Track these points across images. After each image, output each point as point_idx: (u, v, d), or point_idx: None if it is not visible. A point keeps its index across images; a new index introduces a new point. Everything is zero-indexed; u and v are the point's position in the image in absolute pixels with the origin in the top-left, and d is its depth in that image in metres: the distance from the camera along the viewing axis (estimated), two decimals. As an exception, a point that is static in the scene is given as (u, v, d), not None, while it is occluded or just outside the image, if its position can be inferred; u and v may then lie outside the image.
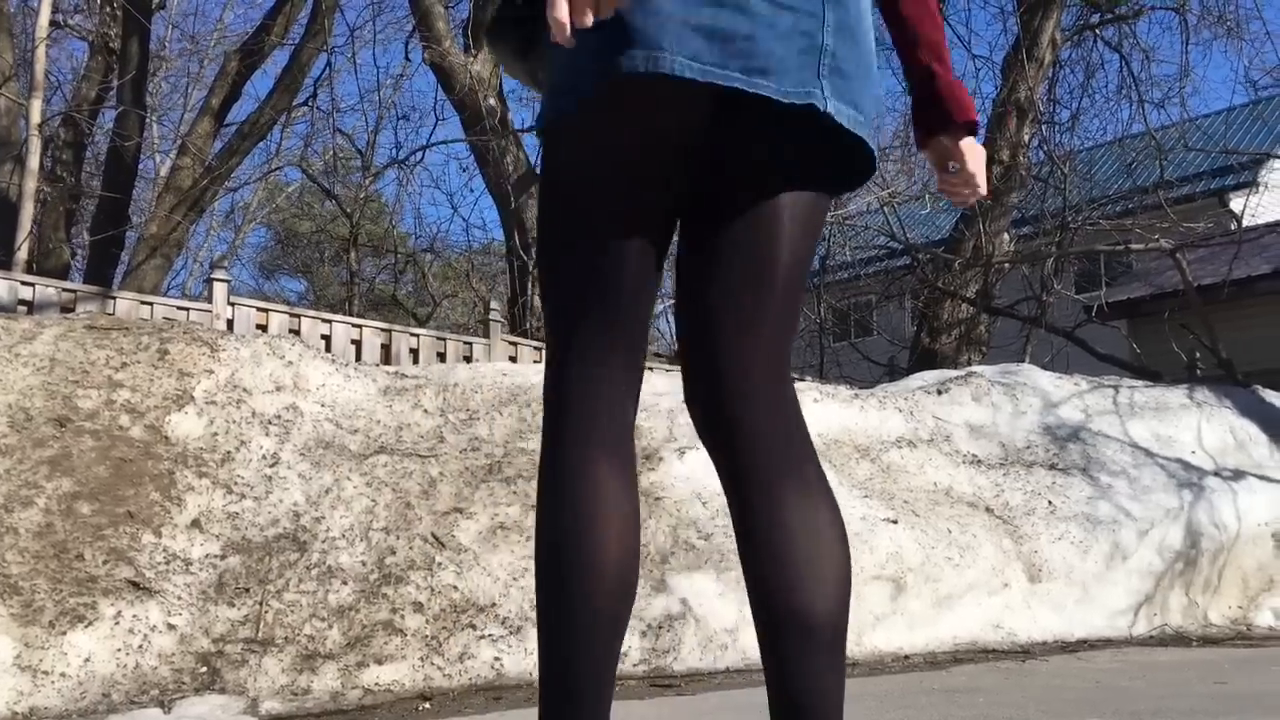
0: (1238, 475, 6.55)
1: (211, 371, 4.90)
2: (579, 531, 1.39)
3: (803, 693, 1.41)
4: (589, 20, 1.21)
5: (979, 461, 6.34)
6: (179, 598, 3.82)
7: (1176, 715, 3.02)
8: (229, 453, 4.57)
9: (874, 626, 4.88)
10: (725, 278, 1.45)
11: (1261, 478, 6.58)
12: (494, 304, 9.09)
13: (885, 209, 11.78)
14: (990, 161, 10.69)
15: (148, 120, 12.94)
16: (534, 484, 4.88)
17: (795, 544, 1.40)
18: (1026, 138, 10.85)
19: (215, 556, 4.08)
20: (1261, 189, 13.16)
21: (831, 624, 1.41)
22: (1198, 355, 9.07)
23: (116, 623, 3.63)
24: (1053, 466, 6.37)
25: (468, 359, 8.10)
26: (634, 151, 1.40)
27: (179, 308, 7.06)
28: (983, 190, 1.60)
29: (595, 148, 1.41)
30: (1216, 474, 6.53)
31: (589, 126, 1.39)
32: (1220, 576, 6.03)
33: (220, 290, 7.13)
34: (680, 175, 1.45)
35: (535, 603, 1.42)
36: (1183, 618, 5.79)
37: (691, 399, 1.56)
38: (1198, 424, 7.04)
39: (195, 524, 4.18)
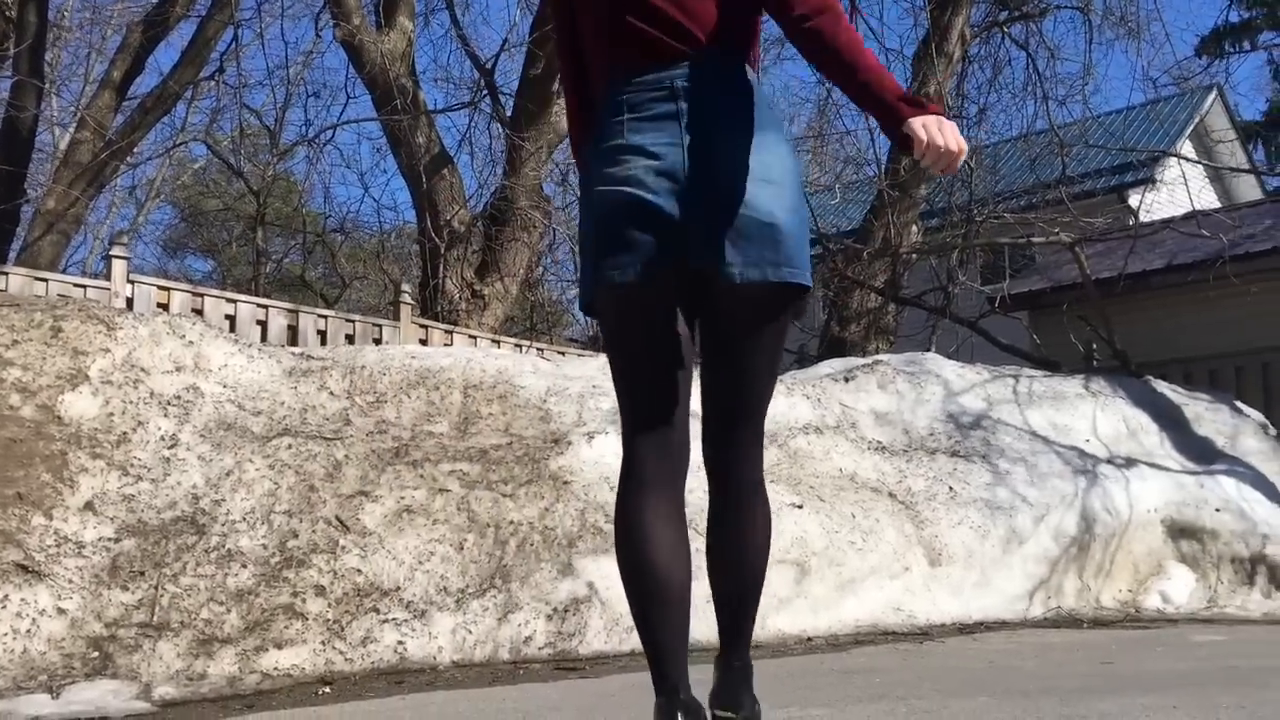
0: (1130, 463, 6.77)
1: (108, 350, 4.77)
2: (634, 553, 2.05)
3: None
4: None
5: (883, 448, 6.45)
6: (70, 581, 3.72)
7: (1063, 693, 3.11)
8: (125, 434, 4.46)
9: (778, 610, 4.94)
10: (708, 376, 2.20)
11: (1152, 465, 6.81)
12: (405, 286, 8.98)
13: (797, 199, 11.87)
14: (900, 154, 10.87)
15: (46, 92, 12.51)
16: (441, 466, 4.86)
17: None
18: (935, 131, 11.03)
19: (109, 539, 3.98)
20: (1158, 186, 13.59)
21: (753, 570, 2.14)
22: (1094, 346, 9.34)
23: (3, 607, 3.53)
24: (954, 453, 6.51)
25: (377, 341, 8.00)
26: (635, 320, 2.11)
27: (75, 285, 6.85)
28: (953, 149, 1.94)
29: (606, 329, 2.18)
30: (1110, 462, 6.74)
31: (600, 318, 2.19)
32: (1112, 561, 6.23)
33: (119, 267, 6.93)
34: (669, 330, 2.11)
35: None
36: (1076, 601, 5.98)
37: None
38: (1093, 413, 7.26)
39: (88, 506, 4.07)
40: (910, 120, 1.94)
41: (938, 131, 1.93)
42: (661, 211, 2.02)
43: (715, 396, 2.18)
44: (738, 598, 2.13)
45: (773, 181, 2.04)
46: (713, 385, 2.18)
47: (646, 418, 2.12)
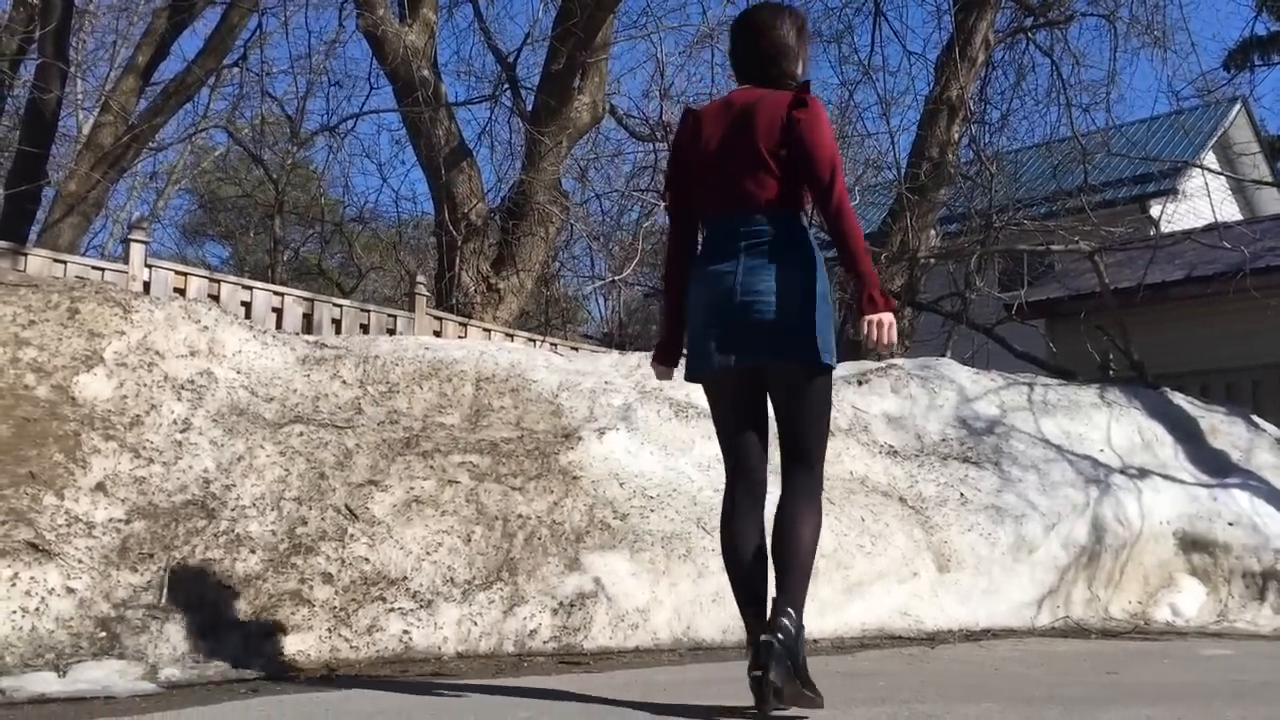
0: (1143, 474, 6.73)
1: (123, 333, 4.80)
2: (732, 545, 3.03)
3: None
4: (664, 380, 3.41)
5: (895, 452, 6.43)
6: (80, 561, 3.73)
7: (1068, 702, 3.10)
8: (138, 416, 4.48)
9: (784, 610, 4.92)
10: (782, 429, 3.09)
11: (1166, 477, 6.77)
12: (420, 278, 9.00)
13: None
14: (920, 158, 10.84)
15: (71, 75, 12.57)
16: (451, 458, 4.87)
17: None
18: (956, 136, 10.99)
19: (119, 521, 4.00)
20: (1180, 197, 13.50)
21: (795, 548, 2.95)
22: (1111, 356, 9.29)
23: (13, 584, 3.54)
24: (966, 459, 6.49)
25: (391, 331, 8.02)
26: (719, 395, 3.13)
27: (94, 268, 6.88)
28: (886, 344, 2.94)
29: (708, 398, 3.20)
30: (1123, 472, 6.70)
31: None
32: (1122, 572, 6.20)
33: (137, 251, 6.97)
34: (755, 394, 3.08)
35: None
36: (1084, 610, 5.95)
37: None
38: (1107, 423, 7.22)
39: (100, 487, 4.09)
40: (868, 316, 2.94)
41: (885, 330, 2.93)
42: (719, 323, 2.98)
43: (782, 442, 3.04)
44: (784, 569, 2.90)
45: (797, 293, 2.93)
46: (780, 435, 3.05)
47: (734, 465, 3.08)
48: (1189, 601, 6.20)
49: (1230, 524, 6.44)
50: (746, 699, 2.87)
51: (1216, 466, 7.16)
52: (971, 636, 5.22)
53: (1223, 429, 7.60)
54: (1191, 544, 6.40)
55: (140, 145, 10.86)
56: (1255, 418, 8.00)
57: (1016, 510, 6.07)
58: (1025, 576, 5.83)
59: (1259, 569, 6.27)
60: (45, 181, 10.66)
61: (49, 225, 10.04)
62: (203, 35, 11.34)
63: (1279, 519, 6.64)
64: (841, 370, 7.61)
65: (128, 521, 4.01)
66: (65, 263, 6.73)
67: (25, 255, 6.67)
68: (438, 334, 8.26)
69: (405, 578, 4.22)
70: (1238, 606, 6.18)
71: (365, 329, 7.98)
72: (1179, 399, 7.88)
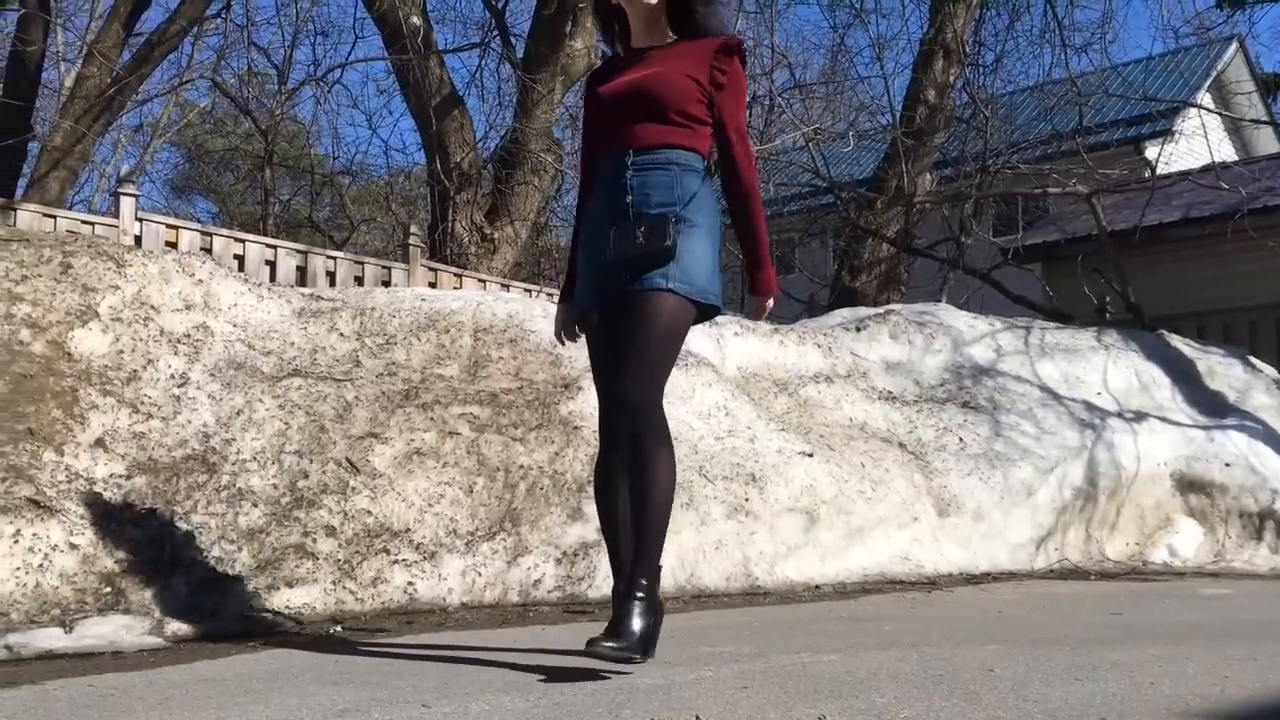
0: (1140, 416, 6.74)
1: (117, 287, 4.75)
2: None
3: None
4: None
5: (894, 398, 6.43)
6: (82, 517, 3.72)
7: (1074, 643, 3.11)
8: (135, 371, 4.44)
9: (786, 557, 4.95)
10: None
11: (1163, 419, 6.79)
12: (414, 229, 8.92)
13: (810, 146, 11.76)
14: (915, 102, 10.75)
15: (52, 26, 12.37)
16: (451, 409, 4.85)
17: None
18: (952, 79, 10.89)
19: (120, 476, 3.98)
20: (1176, 138, 13.42)
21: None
22: (1108, 299, 9.28)
23: (15, 541, 3.53)
24: (965, 404, 6.49)
25: (386, 283, 7.97)
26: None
27: (84, 222, 6.81)
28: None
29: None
30: (1120, 415, 6.72)
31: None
32: (1119, 514, 6.23)
33: (127, 205, 6.89)
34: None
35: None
36: (1083, 553, 5.98)
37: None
38: (1104, 366, 7.22)
39: (99, 443, 4.06)
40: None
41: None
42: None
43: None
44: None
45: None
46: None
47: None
48: (1186, 542, 6.24)
49: (1227, 465, 6.46)
50: (745, 645, 2.88)
51: (1213, 408, 7.18)
52: (972, 580, 5.25)
53: (1220, 370, 7.61)
54: (1188, 485, 6.42)
55: (125, 97, 10.72)
56: (1252, 358, 8.01)
57: (1014, 454, 6.08)
58: (1024, 520, 5.86)
59: (1256, 509, 6.31)
60: (30, 135, 10.52)
61: (36, 179, 9.93)
62: (186, -16, 11.12)
63: (1276, 459, 6.67)
64: (838, 316, 7.59)
65: (128, 477, 3.99)
66: (55, 217, 6.66)
67: (14, 210, 6.59)
68: (433, 285, 8.21)
69: (408, 529, 4.22)
70: (1234, 546, 6.21)
71: (360, 281, 7.92)
72: (1176, 341, 7.88)
